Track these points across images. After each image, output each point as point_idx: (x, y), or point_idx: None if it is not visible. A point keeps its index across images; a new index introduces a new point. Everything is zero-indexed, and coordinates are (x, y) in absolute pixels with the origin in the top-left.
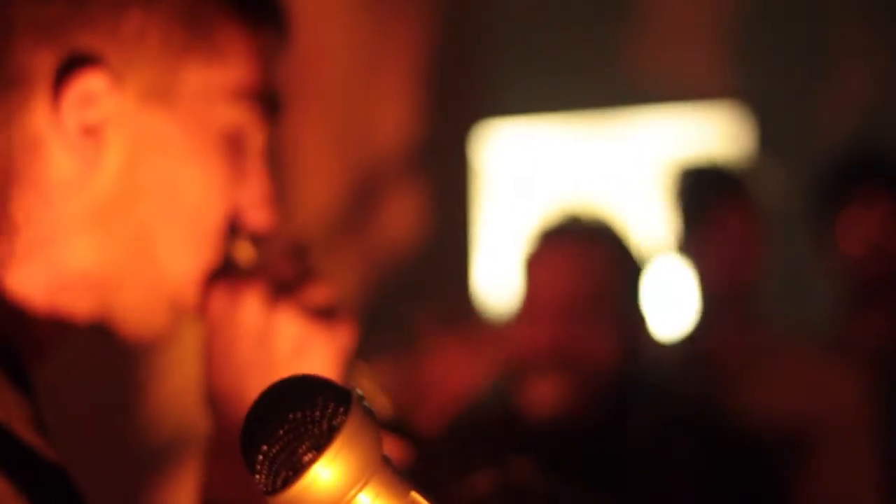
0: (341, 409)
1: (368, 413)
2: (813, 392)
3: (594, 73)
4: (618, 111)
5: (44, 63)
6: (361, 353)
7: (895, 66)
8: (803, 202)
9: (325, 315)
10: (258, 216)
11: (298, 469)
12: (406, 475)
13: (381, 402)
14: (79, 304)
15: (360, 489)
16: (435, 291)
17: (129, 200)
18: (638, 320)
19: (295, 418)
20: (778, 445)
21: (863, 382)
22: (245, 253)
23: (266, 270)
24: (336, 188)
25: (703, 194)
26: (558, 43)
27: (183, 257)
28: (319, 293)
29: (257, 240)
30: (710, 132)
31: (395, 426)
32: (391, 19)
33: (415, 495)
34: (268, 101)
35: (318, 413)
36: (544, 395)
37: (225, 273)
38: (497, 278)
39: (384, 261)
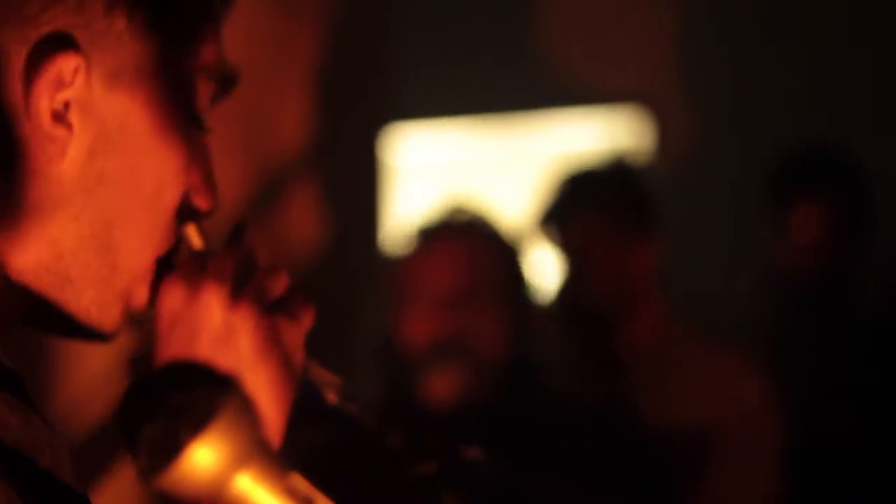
0: (220, 394)
1: (246, 400)
2: (717, 390)
3: (501, 76)
4: (524, 114)
5: (13, 45)
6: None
7: (794, 76)
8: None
9: (284, 305)
10: (201, 197)
11: (176, 449)
12: (286, 459)
13: (330, 389)
14: (27, 298)
15: (239, 471)
16: (342, 292)
17: (87, 190)
18: (528, 312)
19: (174, 402)
20: (678, 443)
21: (769, 383)
22: (195, 238)
23: (221, 260)
24: (239, 187)
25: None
26: (466, 46)
27: (139, 248)
28: (276, 282)
29: (200, 222)
30: (614, 135)
31: (342, 413)
32: (294, 17)
33: (295, 479)
34: (224, 79)
35: (197, 397)
36: (441, 387)
37: (172, 260)
38: None
39: (290, 261)
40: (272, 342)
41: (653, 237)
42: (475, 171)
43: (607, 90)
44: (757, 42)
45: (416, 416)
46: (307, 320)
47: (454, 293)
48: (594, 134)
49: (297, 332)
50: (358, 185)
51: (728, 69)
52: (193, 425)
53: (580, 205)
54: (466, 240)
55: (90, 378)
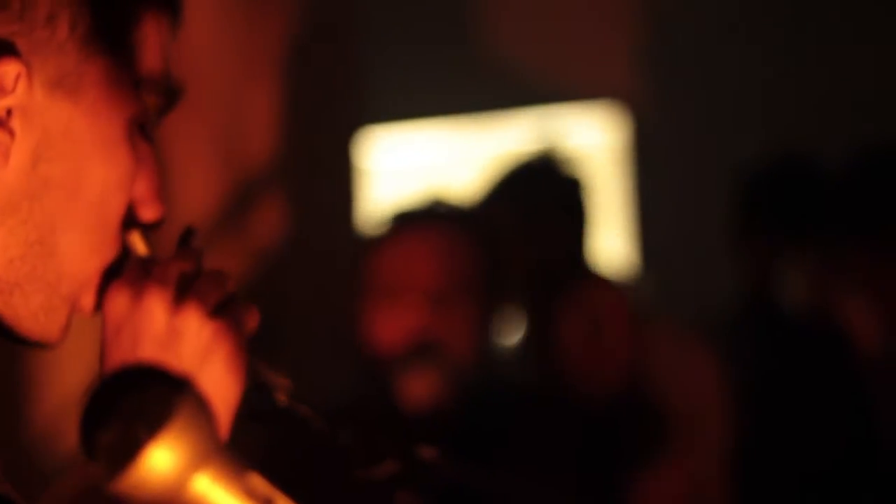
0: (175, 395)
1: (201, 401)
2: (673, 378)
3: (475, 75)
4: (499, 114)
5: None
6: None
7: (769, 71)
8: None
9: (227, 309)
10: (151, 208)
11: (132, 452)
12: (245, 460)
13: (279, 390)
14: None
15: (196, 472)
16: (317, 296)
17: (32, 196)
18: (496, 308)
19: (129, 406)
20: (636, 428)
21: (720, 371)
22: (139, 245)
23: (165, 265)
24: (211, 192)
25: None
26: (436, 48)
27: (85, 254)
28: (219, 286)
29: (149, 232)
30: (589, 133)
31: (294, 415)
32: (264, 21)
33: (254, 479)
34: (168, 90)
35: (152, 399)
36: (418, 389)
37: (119, 267)
38: None
39: (262, 264)
40: (215, 345)
41: (577, 226)
42: (448, 172)
43: (581, 88)
44: (730, 36)
45: (388, 414)
46: (251, 323)
47: (429, 289)
48: (569, 132)
49: (240, 334)
50: (330, 189)
51: (701, 65)
52: (149, 427)
53: (501, 197)
54: (441, 234)
55: (70, 389)
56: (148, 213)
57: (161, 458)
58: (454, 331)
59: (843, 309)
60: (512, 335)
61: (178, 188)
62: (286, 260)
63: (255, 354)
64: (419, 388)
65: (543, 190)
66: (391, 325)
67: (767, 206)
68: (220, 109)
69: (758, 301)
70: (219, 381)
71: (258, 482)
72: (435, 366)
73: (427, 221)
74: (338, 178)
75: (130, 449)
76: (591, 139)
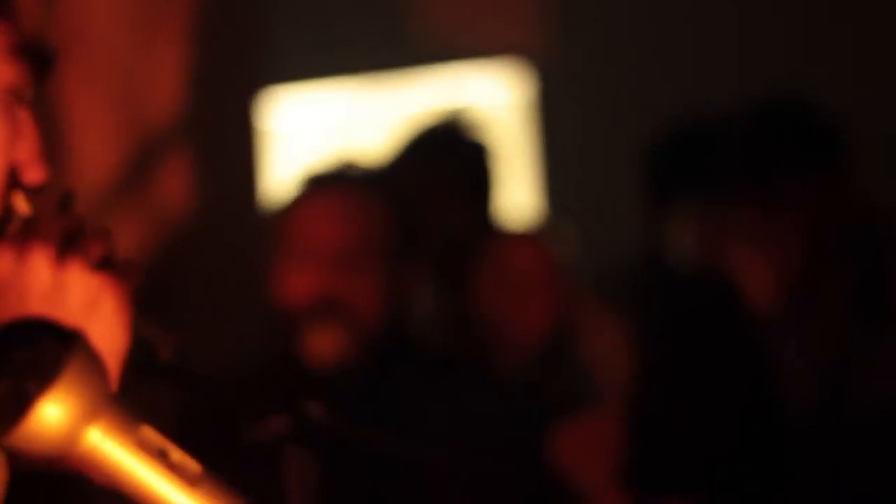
0: (65, 349)
1: (92, 352)
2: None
3: (379, 33)
4: (404, 72)
5: None
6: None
7: (675, 28)
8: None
9: (110, 266)
10: (32, 171)
11: (24, 407)
12: (136, 412)
13: (166, 348)
14: None
15: (89, 425)
16: (219, 257)
17: None
18: (410, 270)
19: (18, 358)
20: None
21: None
22: (21, 206)
23: (46, 224)
24: (112, 152)
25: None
26: (341, 4)
27: None
28: (101, 244)
29: (32, 194)
30: (496, 90)
31: (180, 371)
32: None
33: (146, 430)
34: (40, 57)
35: (41, 353)
36: (322, 345)
37: (2, 229)
38: None
39: (165, 227)
40: (101, 299)
41: (482, 192)
42: (354, 132)
43: (489, 45)
44: None
45: (292, 374)
46: (134, 278)
47: (339, 250)
48: (476, 89)
49: (125, 288)
50: (233, 149)
51: (613, 23)
52: (40, 381)
53: (407, 162)
54: (353, 196)
55: None
56: (31, 176)
57: (52, 413)
58: (361, 292)
59: (734, 262)
60: (427, 303)
61: (77, 150)
62: (189, 222)
63: (142, 312)
64: (322, 344)
65: (448, 157)
66: (299, 284)
67: (660, 160)
68: (119, 70)
69: (652, 256)
70: (105, 334)
71: (150, 434)
72: (339, 324)
73: (337, 184)
74: (241, 139)
75: (21, 404)
76: (498, 96)
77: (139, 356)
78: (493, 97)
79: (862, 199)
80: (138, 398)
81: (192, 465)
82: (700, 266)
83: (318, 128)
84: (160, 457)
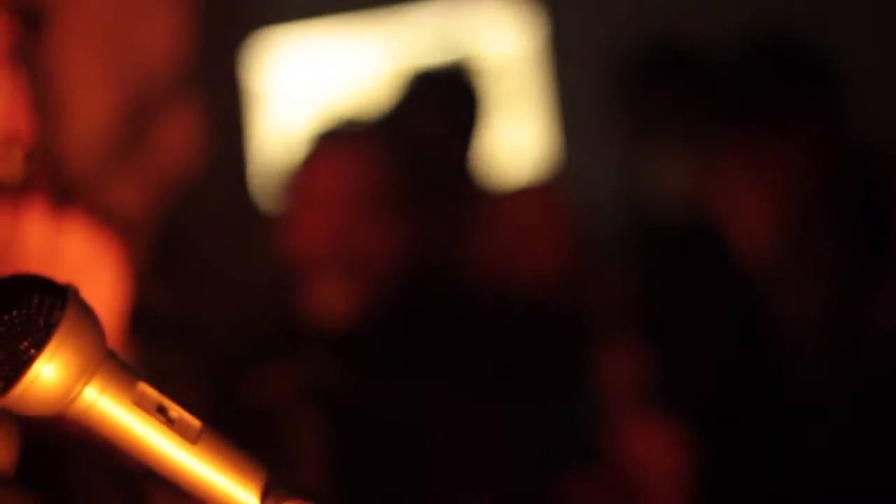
0: (58, 305)
1: (86, 308)
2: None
3: None
4: (398, 9)
5: None
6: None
7: None
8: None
9: (108, 225)
10: (26, 132)
11: (20, 368)
12: (134, 368)
13: (170, 306)
14: None
15: (86, 383)
16: (215, 208)
17: None
18: (432, 220)
19: (11, 318)
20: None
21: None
22: (13, 165)
23: (41, 184)
24: (107, 111)
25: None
26: None
27: None
28: (97, 204)
29: (26, 155)
30: (501, 28)
31: (180, 327)
32: None
33: (143, 386)
34: (33, 14)
35: (34, 311)
36: (328, 299)
37: None
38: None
39: (162, 180)
40: (98, 259)
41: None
42: (351, 73)
43: None
44: None
45: (301, 329)
46: (134, 237)
47: (351, 200)
48: (483, 32)
49: (121, 253)
50: (229, 95)
51: None
52: (35, 340)
53: (405, 114)
54: (362, 147)
55: None
56: (24, 137)
57: (48, 372)
58: (377, 242)
59: (727, 202)
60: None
61: (72, 109)
62: (187, 179)
63: (145, 271)
64: (331, 298)
65: (444, 112)
66: (312, 237)
67: (646, 96)
68: (111, 27)
69: (644, 199)
70: (104, 292)
71: (149, 390)
72: (350, 277)
73: (345, 136)
74: (234, 84)
75: (16, 365)
76: (507, 38)
77: (144, 315)
78: (501, 39)
79: (860, 137)
80: (149, 359)
81: (193, 421)
82: (687, 211)
83: (312, 68)
84: (159, 413)
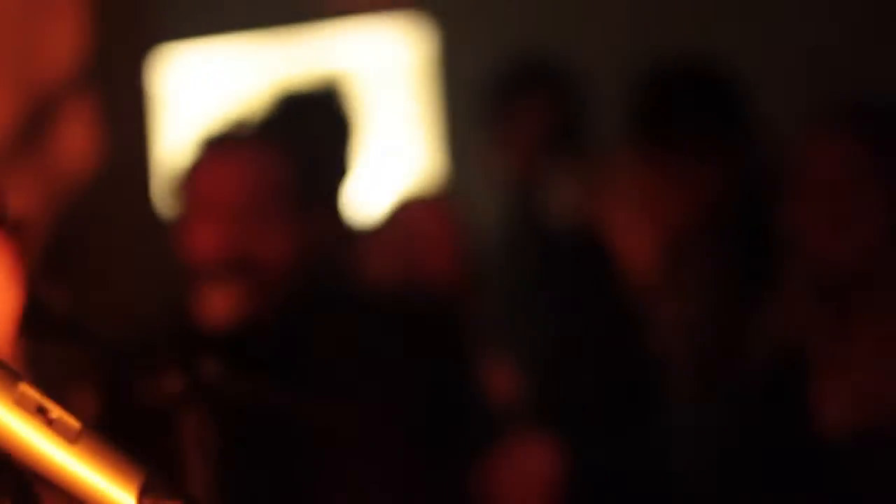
0: None
1: None
2: None
3: None
4: (298, 27)
5: None
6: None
7: None
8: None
9: (2, 220)
10: None
11: None
12: (14, 370)
13: (60, 306)
14: None
15: None
16: (115, 217)
17: None
18: (322, 222)
19: None
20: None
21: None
22: None
23: None
24: (5, 112)
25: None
26: None
27: None
28: None
29: None
30: (394, 45)
31: (76, 329)
32: None
33: (24, 387)
34: None
35: None
36: (219, 305)
37: None
38: None
39: (58, 182)
40: None
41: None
42: (246, 89)
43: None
44: None
45: (192, 332)
46: (26, 237)
47: (240, 206)
48: (375, 46)
49: (15, 248)
50: (128, 108)
51: None
52: None
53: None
54: (252, 152)
55: None
56: None
57: None
58: (267, 246)
59: (614, 228)
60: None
61: None
62: (85, 181)
63: (37, 270)
64: (219, 304)
65: (324, 123)
66: (202, 243)
67: (517, 113)
68: (11, 28)
69: (528, 217)
70: None
71: (29, 391)
72: (240, 283)
73: (232, 141)
74: (134, 97)
75: None
76: (395, 52)
77: (33, 315)
78: (389, 53)
79: (753, 160)
80: (34, 356)
81: (72, 422)
82: (577, 231)
83: (213, 84)
84: (39, 414)
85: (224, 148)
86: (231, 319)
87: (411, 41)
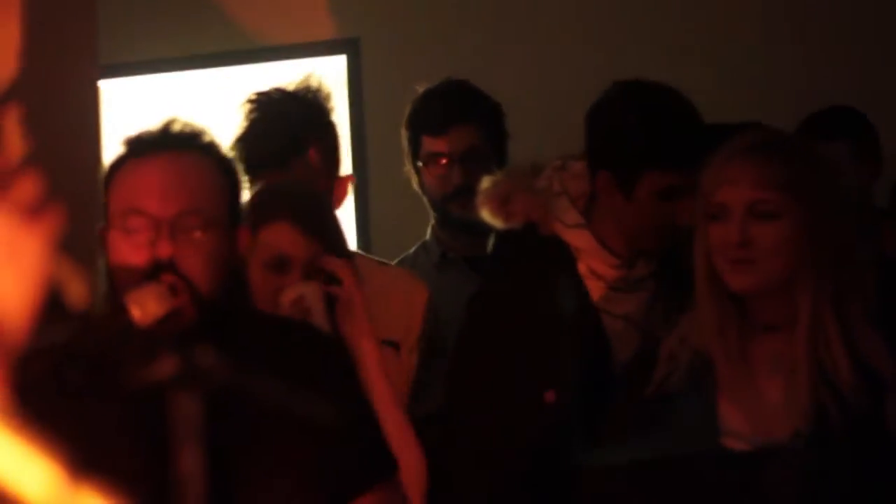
0: None
1: None
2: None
3: (207, 23)
4: (233, 61)
5: None
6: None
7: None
8: None
9: (31, 210)
10: None
11: None
12: None
13: (76, 292)
14: None
15: None
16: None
17: None
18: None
19: None
20: None
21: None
22: None
23: None
24: None
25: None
26: None
27: None
28: (22, 188)
29: None
30: (327, 76)
31: (84, 315)
32: None
33: None
34: None
35: None
36: (140, 311)
37: None
38: None
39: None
40: (20, 246)
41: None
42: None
43: (314, 29)
44: None
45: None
46: (53, 226)
47: (165, 214)
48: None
49: (42, 237)
50: (67, 136)
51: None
52: None
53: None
54: (179, 162)
55: None
56: None
57: None
58: (189, 257)
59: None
60: None
61: None
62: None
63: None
64: (140, 310)
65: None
66: (128, 250)
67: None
68: None
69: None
70: (20, 278)
71: None
72: (162, 289)
73: (162, 148)
74: (74, 126)
75: None
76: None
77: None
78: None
79: None
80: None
81: None
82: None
83: (148, 116)
84: None
85: (149, 154)
86: (152, 324)
87: (339, 70)
